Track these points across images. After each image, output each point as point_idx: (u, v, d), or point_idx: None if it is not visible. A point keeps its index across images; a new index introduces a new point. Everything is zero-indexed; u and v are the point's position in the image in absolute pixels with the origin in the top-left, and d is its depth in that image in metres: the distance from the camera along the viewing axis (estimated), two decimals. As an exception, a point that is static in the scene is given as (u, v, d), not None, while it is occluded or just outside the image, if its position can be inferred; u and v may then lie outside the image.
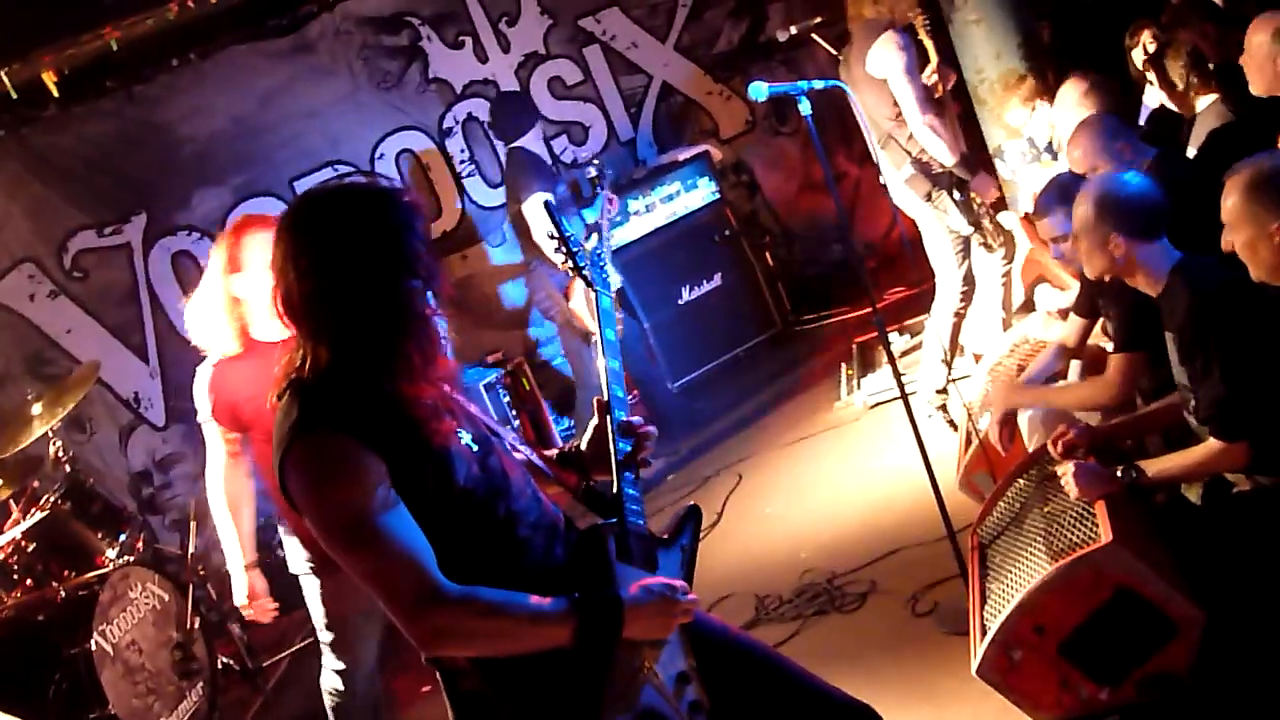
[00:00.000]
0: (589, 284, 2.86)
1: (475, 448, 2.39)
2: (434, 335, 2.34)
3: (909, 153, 5.11)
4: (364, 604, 3.75)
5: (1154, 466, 3.43)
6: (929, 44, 5.13)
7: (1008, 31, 7.11)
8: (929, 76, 5.20)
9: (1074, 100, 4.97)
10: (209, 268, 3.90)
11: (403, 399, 2.27)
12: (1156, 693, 3.39)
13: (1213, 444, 3.28)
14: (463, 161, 8.24)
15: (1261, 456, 3.25)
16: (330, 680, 4.14)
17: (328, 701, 4.16)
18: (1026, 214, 5.13)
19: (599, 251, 2.93)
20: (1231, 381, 3.21)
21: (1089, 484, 3.42)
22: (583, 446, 2.77)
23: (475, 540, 2.33)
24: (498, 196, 8.21)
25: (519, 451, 2.57)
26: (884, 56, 5.17)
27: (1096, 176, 3.64)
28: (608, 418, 2.66)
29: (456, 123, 8.27)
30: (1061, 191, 4.18)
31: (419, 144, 8.14)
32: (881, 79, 5.23)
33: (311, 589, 4.09)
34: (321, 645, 4.15)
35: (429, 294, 2.33)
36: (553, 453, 2.78)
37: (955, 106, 5.66)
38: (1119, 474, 3.45)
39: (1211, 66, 4.86)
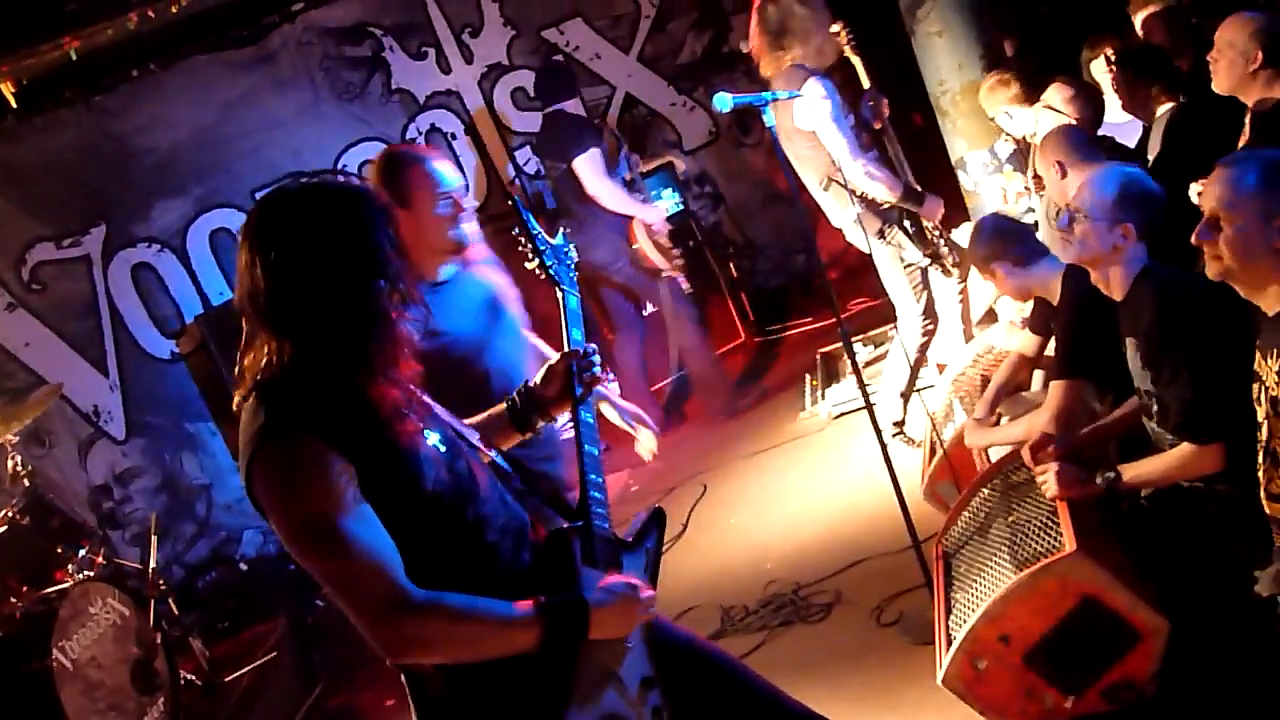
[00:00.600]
0: (555, 283, 2.87)
1: (443, 449, 2.37)
2: (400, 336, 2.31)
3: (854, 192, 5.05)
4: None
5: (1130, 471, 3.45)
6: (858, 61, 5.08)
7: (970, 43, 7.18)
8: (870, 103, 5.15)
9: (1059, 103, 5.04)
10: None
11: (369, 399, 2.24)
12: (1120, 701, 3.41)
13: (1186, 448, 3.30)
14: (425, 172, 8.21)
15: (1229, 462, 3.28)
16: None
17: None
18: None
19: (565, 250, 2.94)
20: (1201, 385, 3.24)
21: (1069, 484, 3.44)
22: (536, 383, 2.78)
23: (443, 545, 2.32)
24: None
25: (486, 455, 2.56)
26: (810, 108, 5.01)
27: (1126, 167, 3.65)
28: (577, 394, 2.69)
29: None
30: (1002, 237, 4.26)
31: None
32: (811, 129, 5.11)
33: None
34: None
35: (395, 296, 2.31)
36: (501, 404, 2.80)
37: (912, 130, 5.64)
38: (1098, 479, 3.47)
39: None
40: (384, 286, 2.29)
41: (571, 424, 2.69)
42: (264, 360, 2.29)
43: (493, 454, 2.59)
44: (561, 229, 3.13)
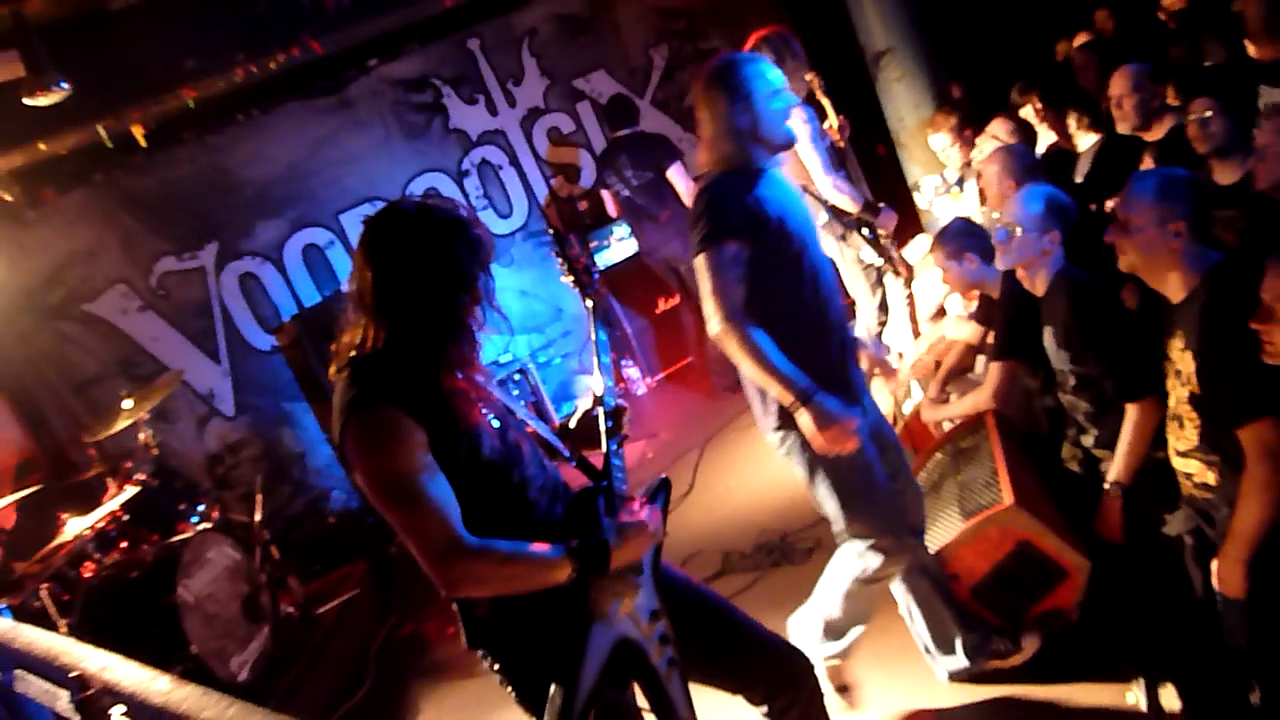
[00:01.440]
0: (583, 291, 2.88)
1: (497, 424, 2.41)
2: (474, 341, 2.36)
3: (823, 203, 5.06)
4: None
5: (1115, 470, 3.37)
6: (826, 102, 5.06)
7: (924, 87, 7.21)
8: (833, 130, 5.11)
9: (1004, 135, 5.07)
10: None
11: (444, 385, 2.30)
12: (1051, 625, 3.42)
13: (1130, 411, 3.29)
14: (478, 197, 8.23)
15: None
16: None
17: None
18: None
19: (593, 265, 2.95)
20: (1119, 357, 3.29)
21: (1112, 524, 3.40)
22: (572, 425, 2.79)
23: (495, 500, 2.35)
24: (507, 225, 8.25)
25: (530, 426, 2.57)
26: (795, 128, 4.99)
27: (1047, 186, 3.64)
28: (600, 405, 2.67)
29: (472, 165, 8.27)
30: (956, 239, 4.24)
31: (441, 183, 8.11)
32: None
33: None
34: None
35: (475, 308, 2.34)
36: (556, 424, 2.82)
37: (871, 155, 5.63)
38: (1110, 493, 3.39)
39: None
40: (466, 300, 2.32)
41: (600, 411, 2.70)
42: (359, 340, 2.33)
43: (537, 425, 2.59)
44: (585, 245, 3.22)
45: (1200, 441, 2.95)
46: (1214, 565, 2.83)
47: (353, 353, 2.32)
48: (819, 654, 3.40)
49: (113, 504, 5.35)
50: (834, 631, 3.40)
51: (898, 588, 3.44)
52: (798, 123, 4.94)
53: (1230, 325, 2.54)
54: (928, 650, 3.51)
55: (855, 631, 3.42)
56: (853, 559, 3.26)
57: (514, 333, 7.74)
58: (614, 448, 2.60)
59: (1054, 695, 3.29)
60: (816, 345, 3.11)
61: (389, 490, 2.21)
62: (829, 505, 3.21)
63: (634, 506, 2.48)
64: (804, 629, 3.47)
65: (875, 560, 3.20)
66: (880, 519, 3.19)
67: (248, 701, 1.40)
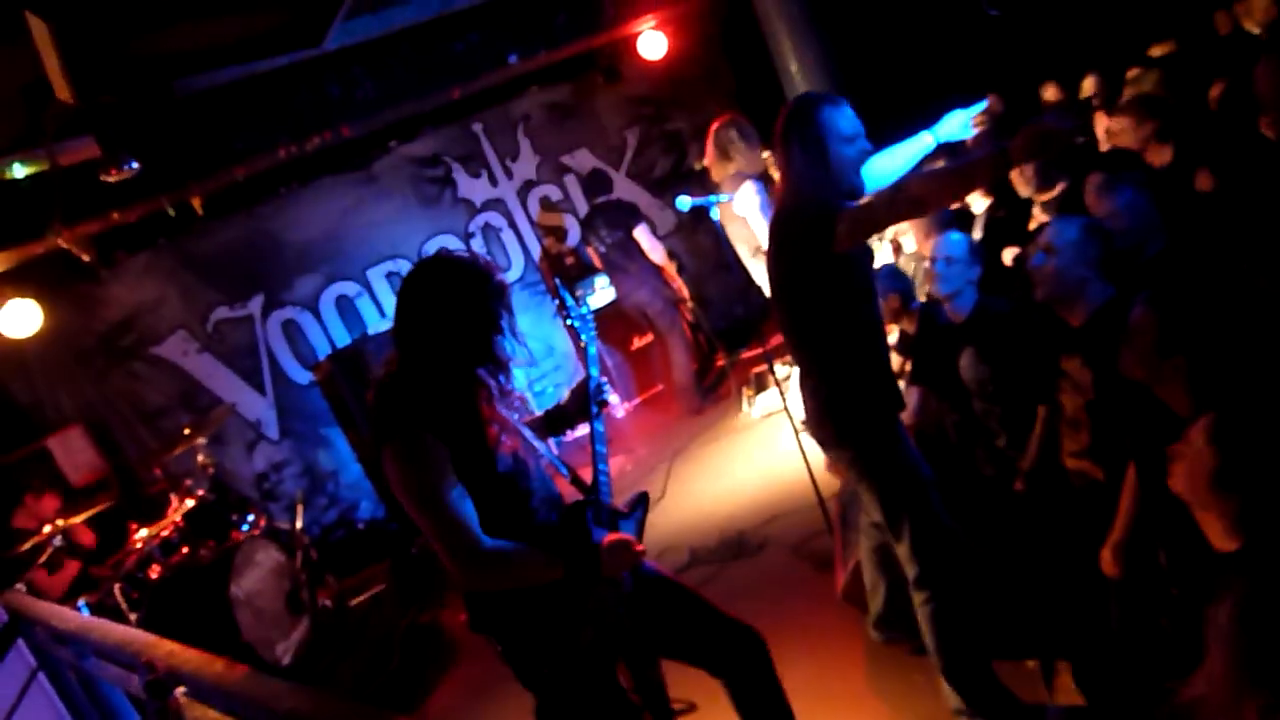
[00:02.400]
0: (578, 335, 2.88)
1: (511, 444, 2.40)
2: (508, 371, 2.37)
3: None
4: None
5: (1027, 460, 3.39)
6: (775, 174, 5.10)
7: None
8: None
9: None
10: None
11: (477, 411, 2.30)
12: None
13: (1041, 412, 3.31)
14: (482, 255, 8.20)
15: None
16: None
17: None
18: None
19: (587, 313, 2.94)
20: (1029, 369, 3.28)
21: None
22: (565, 398, 2.79)
23: (503, 506, 2.34)
24: (507, 278, 8.21)
25: (537, 448, 2.57)
26: (744, 201, 4.96)
27: (960, 234, 3.68)
28: (593, 415, 2.70)
29: (477, 229, 8.27)
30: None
31: (451, 243, 8.10)
32: (744, 216, 5.08)
33: None
34: None
35: (506, 343, 2.35)
36: (541, 414, 2.79)
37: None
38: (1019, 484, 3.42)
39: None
40: (497, 338, 2.33)
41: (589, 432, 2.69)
42: (390, 370, 2.34)
43: (541, 448, 2.59)
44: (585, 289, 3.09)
45: (1093, 445, 2.98)
46: (1101, 553, 2.84)
47: (387, 380, 2.32)
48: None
49: (175, 516, 5.31)
50: (967, 692, 2.92)
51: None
52: (749, 192, 4.99)
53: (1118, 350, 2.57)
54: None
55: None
56: (922, 604, 2.88)
57: (535, 363, 7.73)
58: (603, 468, 2.60)
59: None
60: (884, 357, 2.88)
61: (420, 501, 2.21)
62: (902, 529, 2.82)
63: (622, 526, 2.49)
64: (952, 703, 2.93)
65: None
66: (939, 548, 2.85)
67: (290, 681, 1.39)
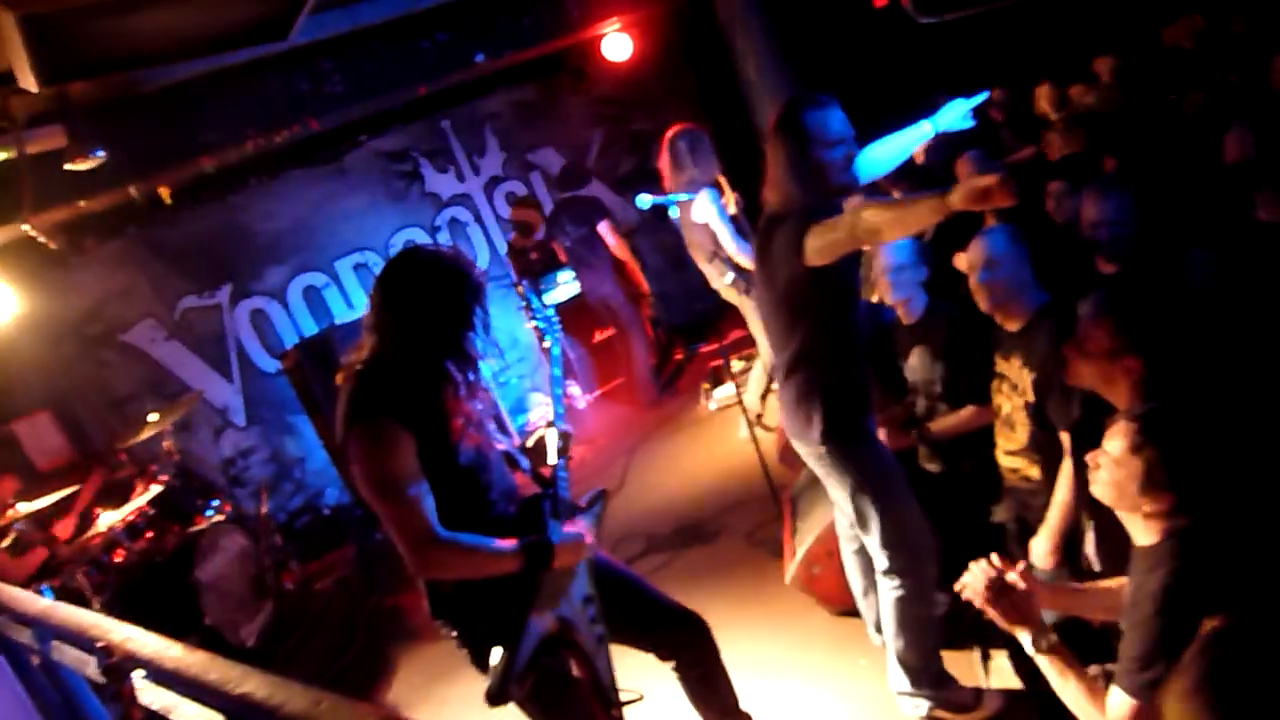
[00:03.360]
0: (543, 335, 2.86)
1: (474, 437, 2.38)
2: (476, 365, 2.36)
3: (730, 264, 5.04)
4: None
5: (935, 426, 3.48)
6: (723, 181, 5.09)
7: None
8: (730, 207, 5.14)
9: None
10: None
11: (444, 403, 2.28)
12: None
13: (973, 409, 3.36)
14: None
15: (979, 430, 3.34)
16: None
17: None
18: None
19: (551, 314, 2.91)
20: (977, 369, 3.32)
21: (893, 439, 3.44)
22: (529, 445, 2.75)
23: (463, 497, 2.32)
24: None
25: (499, 442, 2.55)
26: (702, 209, 4.91)
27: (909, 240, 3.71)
28: (552, 428, 2.67)
29: (444, 223, 8.20)
30: None
31: (418, 236, 8.03)
32: (704, 223, 5.07)
33: None
34: None
35: (477, 338, 2.32)
36: (516, 438, 2.79)
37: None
38: (913, 433, 3.50)
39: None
40: (469, 333, 2.30)
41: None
42: (367, 352, 2.30)
43: (505, 442, 2.57)
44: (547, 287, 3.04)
45: (1028, 443, 3.02)
46: (1032, 544, 2.89)
47: (358, 366, 2.29)
48: (920, 707, 2.98)
49: (140, 500, 5.23)
50: (914, 674, 2.97)
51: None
52: (705, 201, 4.99)
53: (1058, 352, 2.59)
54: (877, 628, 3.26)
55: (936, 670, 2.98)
56: (890, 589, 2.90)
57: (504, 355, 7.70)
58: (561, 463, 2.59)
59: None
60: (861, 361, 2.86)
61: (379, 487, 2.18)
62: (871, 522, 2.83)
63: (578, 523, 2.47)
64: (898, 684, 3.01)
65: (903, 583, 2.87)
66: (908, 539, 2.86)
67: (252, 664, 1.37)
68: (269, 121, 6.02)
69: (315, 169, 7.61)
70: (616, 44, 7.51)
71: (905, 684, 2.98)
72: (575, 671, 2.44)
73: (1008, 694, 2.94)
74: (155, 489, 5.31)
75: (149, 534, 5.17)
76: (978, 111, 2.97)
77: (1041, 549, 2.83)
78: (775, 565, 4.05)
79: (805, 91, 2.83)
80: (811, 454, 2.87)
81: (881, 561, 2.89)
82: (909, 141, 2.94)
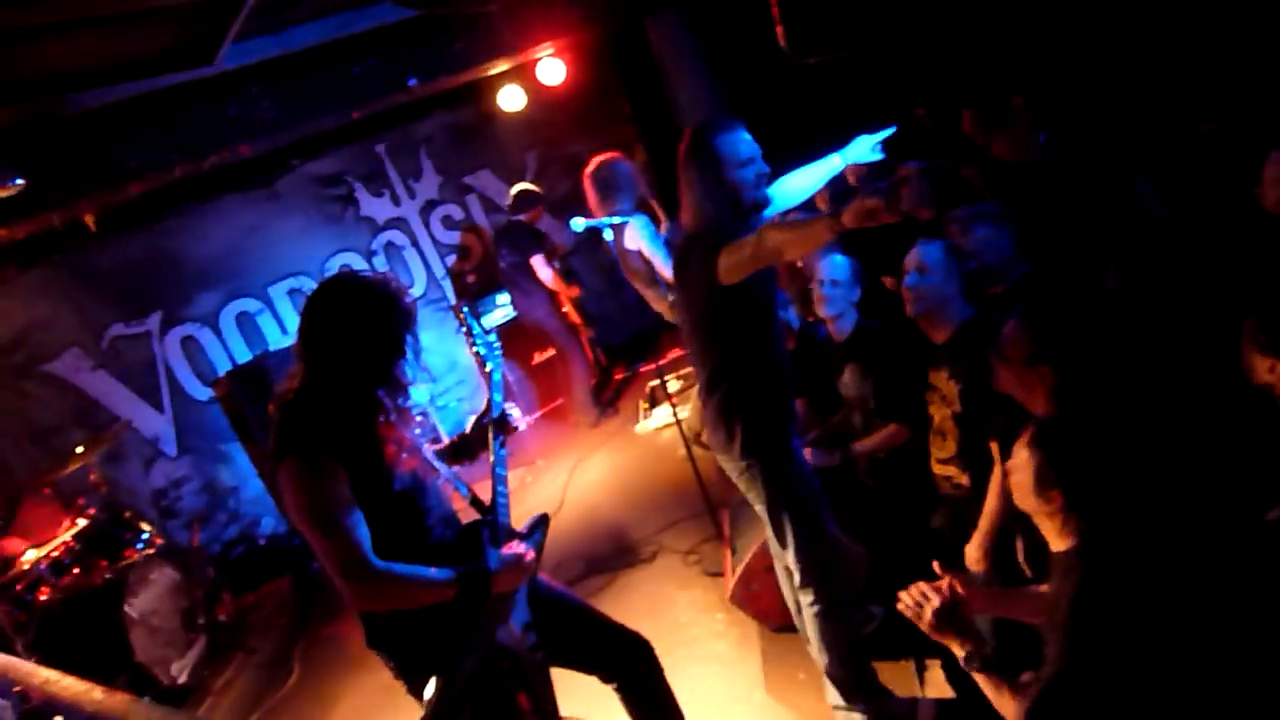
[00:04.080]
0: (483, 361, 2.82)
1: (409, 462, 2.33)
2: (405, 392, 2.31)
3: (664, 286, 5.05)
4: None
5: (858, 445, 3.54)
6: (655, 205, 5.10)
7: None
8: (664, 230, 5.15)
9: None
10: None
11: (373, 429, 2.23)
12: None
13: (892, 427, 3.41)
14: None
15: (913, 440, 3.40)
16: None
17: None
18: None
19: (492, 340, 2.88)
20: (897, 387, 3.39)
21: (818, 460, 3.48)
22: (467, 430, 2.73)
23: (399, 524, 2.27)
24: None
25: (435, 467, 2.51)
26: (632, 238, 4.77)
27: (844, 256, 3.74)
28: (493, 438, 2.65)
29: (380, 247, 8.10)
30: None
31: (354, 261, 7.91)
32: (636, 249, 5.12)
33: None
34: None
35: (407, 366, 2.28)
36: (447, 442, 2.74)
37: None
38: (838, 454, 3.53)
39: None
40: (398, 361, 2.26)
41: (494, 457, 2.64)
42: (297, 383, 2.25)
43: (441, 468, 2.52)
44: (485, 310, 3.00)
45: (958, 451, 3.06)
46: (965, 550, 2.93)
47: (289, 397, 2.23)
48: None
49: (66, 535, 5.03)
50: (846, 688, 3.00)
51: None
52: (635, 229, 4.99)
53: (984, 362, 2.64)
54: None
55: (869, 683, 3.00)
56: (808, 606, 2.94)
57: (436, 381, 7.59)
58: (501, 490, 2.55)
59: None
60: (782, 377, 2.86)
61: (312, 519, 2.13)
62: (788, 537, 2.86)
63: (515, 545, 2.43)
64: (833, 699, 3.03)
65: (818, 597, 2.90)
66: (823, 554, 2.89)
67: (184, 701, 1.32)
68: (197, 147, 5.88)
69: (247, 194, 7.46)
70: (550, 68, 7.51)
71: (839, 699, 3.00)
72: (516, 699, 2.40)
73: (943, 704, 2.96)
74: (81, 523, 5.12)
75: (75, 570, 4.97)
76: (893, 139, 3.05)
77: (973, 555, 2.87)
78: (715, 583, 4.05)
79: (711, 117, 2.91)
80: (734, 469, 2.89)
81: (797, 576, 2.92)
82: (820, 174, 3.02)
